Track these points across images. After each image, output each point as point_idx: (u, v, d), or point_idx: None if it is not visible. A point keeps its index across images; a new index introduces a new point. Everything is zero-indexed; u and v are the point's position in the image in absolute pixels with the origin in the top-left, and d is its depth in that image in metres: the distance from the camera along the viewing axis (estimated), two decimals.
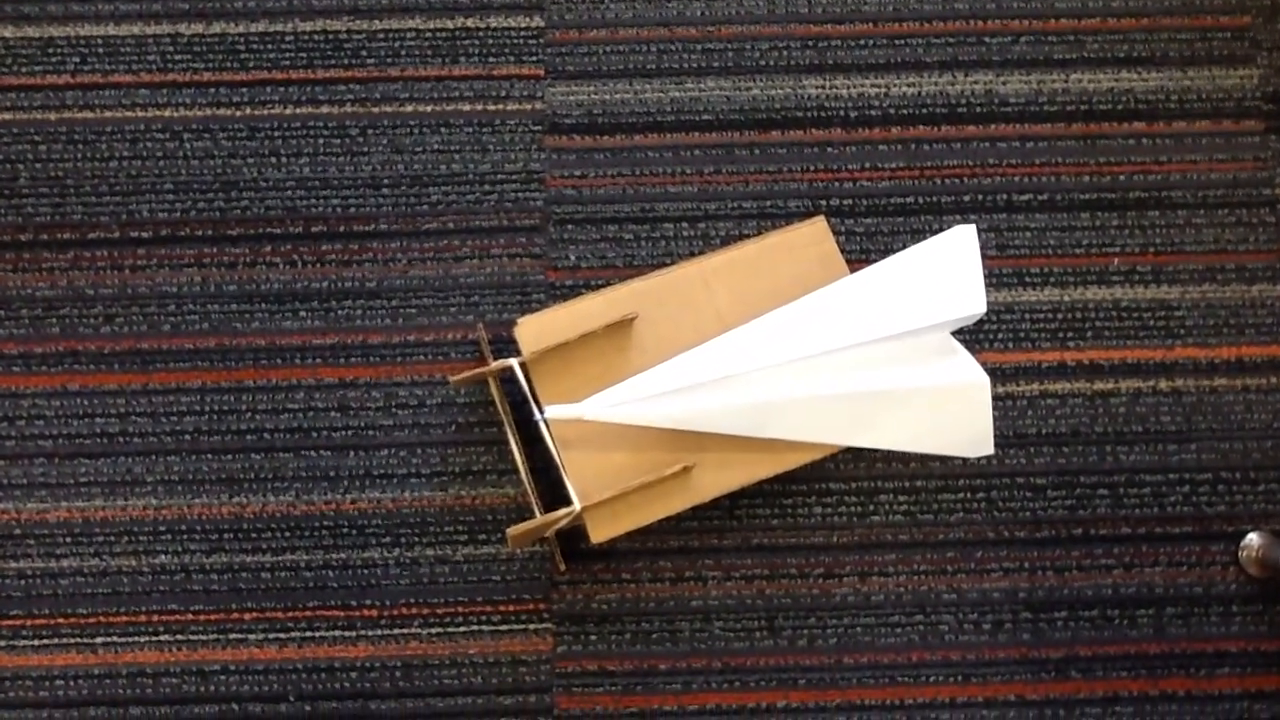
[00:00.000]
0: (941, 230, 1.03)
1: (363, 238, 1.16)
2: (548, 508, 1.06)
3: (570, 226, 1.16)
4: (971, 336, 1.14)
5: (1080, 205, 1.17)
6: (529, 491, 1.07)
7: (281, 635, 1.09)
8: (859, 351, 1.00)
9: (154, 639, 1.09)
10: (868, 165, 1.18)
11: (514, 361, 1.01)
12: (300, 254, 1.16)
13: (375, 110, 1.18)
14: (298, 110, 1.18)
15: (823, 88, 1.19)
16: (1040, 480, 1.13)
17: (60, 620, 1.09)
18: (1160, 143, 1.19)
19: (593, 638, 1.09)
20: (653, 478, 0.99)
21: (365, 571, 1.10)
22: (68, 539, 1.11)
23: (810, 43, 1.20)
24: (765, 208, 1.17)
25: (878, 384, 1.00)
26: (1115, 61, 1.20)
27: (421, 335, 1.14)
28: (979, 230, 1.01)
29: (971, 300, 0.99)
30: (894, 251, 1.06)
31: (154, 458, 1.12)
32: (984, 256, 1.01)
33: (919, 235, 1.15)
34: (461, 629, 1.09)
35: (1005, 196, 1.17)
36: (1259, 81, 1.20)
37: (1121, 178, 1.18)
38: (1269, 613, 1.10)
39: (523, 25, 1.19)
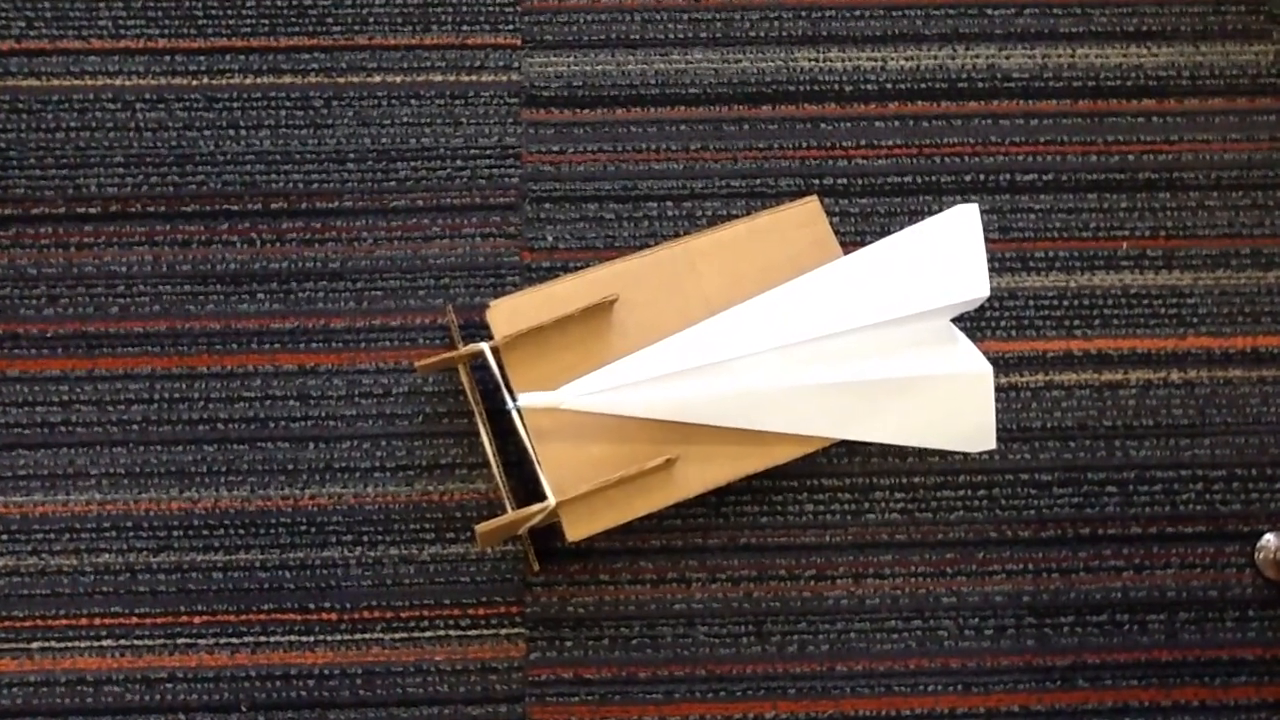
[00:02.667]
0: (941, 211, 0.99)
1: (326, 215, 1.11)
2: (521, 504, 1.02)
3: (547, 205, 1.11)
4: (973, 324, 1.10)
5: (1087, 186, 1.13)
6: (501, 486, 1.02)
7: (234, 640, 1.04)
8: (853, 338, 0.96)
9: (96, 644, 1.03)
10: (863, 142, 1.13)
11: (485, 346, 0.97)
12: (259, 232, 1.10)
13: (341, 80, 1.13)
14: (258, 80, 1.13)
15: (816, 60, 1.14)
16: (1045, 477, 1.08)
17: None
18: (1171, 121, 1.14)
19: (568, 643, 1.04)
20: (633, 471, 0.95)
21: (324, 572, 1.05)
22: (4, 536, 1.05)
23: (803, 13, 1.15)
24: (755, 186, 1.12)
25: (873, 373, 0.97)
26: (1124, 35, 1.16)
27: (388, 319, 1.09)
28: (980, 212, 0.97)
29: (974, 283, 0.96)
30: (891, 233, 1.02)
31: (99, 449, 1.06)
32: (986, 239, 0.97)
33: (917, 216, 1.11)
34: (427, 634, 1.04)
35: (1008, 176, 1.13)
36: (1275, 57, 1.16)
37: (1130, 157, 1.13)
38: None
39: None
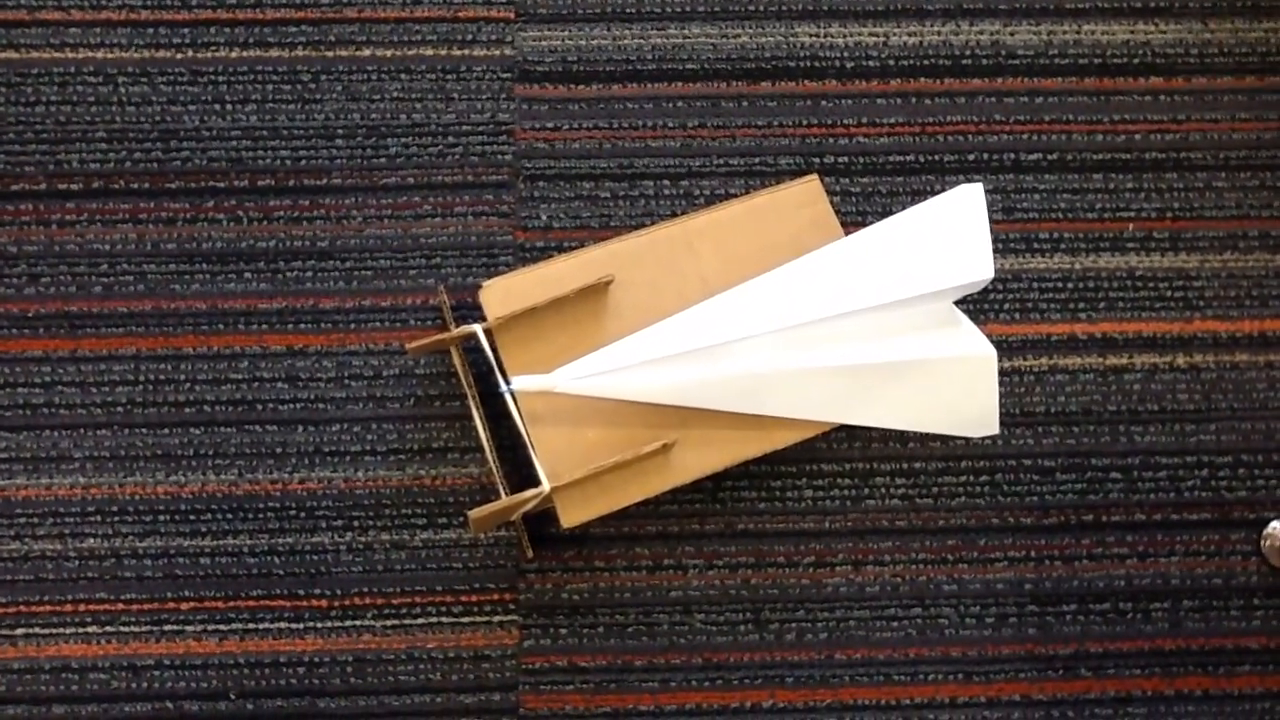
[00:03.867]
0: (944, 191, 0.97)
1: (314, 193, 1.08)
2: (515, 489, 1.00)
3: (541, 183, 1.09)
4: (975, 306, 1.08)
5: (1093, 166, 1.11)
6: (494, 471, 1.00)
7: (222, 627, 1.02)
8: (854, 320, 0.95)
9: (81, 630, 1.01)
10: (865, 120, 1.11)
11: (478, 327, 0.95)
12: (246, 210, 1.08)
13: (329, 54, 1.10)
14: (244, 53, 1.10)
15: (817, 36, 1.12)
16: (1049, 462, 1.06)
17: None
18: (1179, 100, 1.12)
19: (562, 631, 1.03)
20: (629, 456, 0.93)
21: (314, 558, 1.03)
22: None
23: None
24: (754, 165, 1.10)
25: (874, 356, 0.95)
26: (1131, 12, 1.13)
27: (378, 300, 1.07)
28: (984, 192, 0.96)
29: (978, 265, 0.95)
30: (893, 213, 1.00)
31: (82, 432, 1.04)
32: (990, 220, 0.96)
33: (919, 196, 1.09)
34: (419, 621, 1.02)
35: (1012, 156, 1.11)
36: None
37: (1137, 137, 1.11)
38: None
39: None
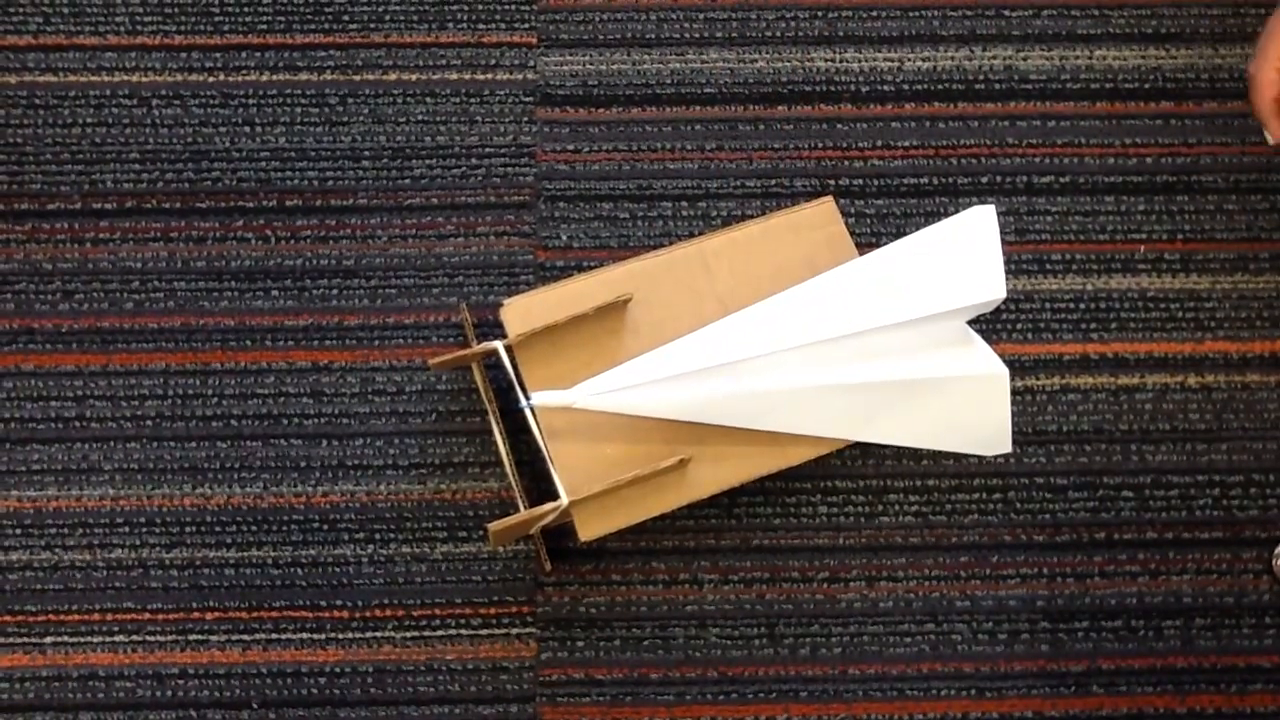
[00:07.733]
0: (957, 212, 0.98)
1: (340, 213, 1.10)
2: (534, 503, 1.01)
3: (562, 204, 1.11)
4: (988, 326, 1.09)
5: (1105, 189, 1.12)
6: (513, 485, 1.01)
7: (245, 637, 1.03)
8: (868, 339, 0.95)
9: (108, 639, 1.03)
10: (879, 143, 1.12)
11: (499, 344, 0.97)
12: (274, 229, 1.10)
13: (356, 78, 1.13)
14: (274, 77, 1.13)
15: (832, 60, 1.14)
16: (1061, 480, 1.07)
17: (6, 618, 1.03)
18: (1190, 123, 1.13)
19: (580, 644, 1.04)
20: (646, 471, 0.94)
21: (336, 570, 1.04)
22: (17, 530, 1.05)
23: (819, 13, 1.14)
24: (770, 187, 1.11)
25: (888, 374, 0.96)
26: (1142, 37, 1.15)
27: (401, 317, 1.09)
28: (997, 214, 0.97)
29: (990, 285, 0.95)
30: (907, 234, 1.01)
31: (112, 444, 1.06)
32: (1002, 241, 0.96)
33: (933, 218, 1.10)
34: (439, 632, 1.04)
35: (1025, 178, 1.12)
36: None
37: (1149, 160, 1.12)
38: None
39: None
